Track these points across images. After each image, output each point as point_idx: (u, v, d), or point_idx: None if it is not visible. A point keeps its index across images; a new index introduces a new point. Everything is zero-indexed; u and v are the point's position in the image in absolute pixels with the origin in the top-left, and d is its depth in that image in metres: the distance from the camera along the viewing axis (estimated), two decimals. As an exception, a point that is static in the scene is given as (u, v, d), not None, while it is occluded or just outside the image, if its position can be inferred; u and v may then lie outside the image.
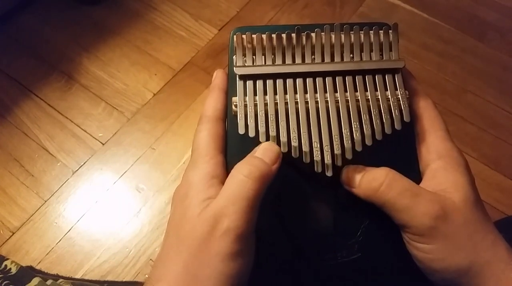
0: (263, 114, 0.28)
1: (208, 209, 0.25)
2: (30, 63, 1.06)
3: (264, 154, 0.26)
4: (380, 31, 0.30)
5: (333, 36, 0.30)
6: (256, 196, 0.25)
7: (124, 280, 0.82)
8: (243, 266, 0.24)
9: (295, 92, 0.29)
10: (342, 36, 0.30)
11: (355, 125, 0.28)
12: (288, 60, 0.30)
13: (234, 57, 0.30)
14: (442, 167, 0.27)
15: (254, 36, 0.29)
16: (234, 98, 0.29)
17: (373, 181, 0.26)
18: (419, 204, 0.25)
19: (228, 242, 0.23)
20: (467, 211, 0.25)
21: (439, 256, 0.25)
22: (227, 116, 0.30)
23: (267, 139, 0.27)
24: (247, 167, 0.26)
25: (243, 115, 0.28)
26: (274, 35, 0.29)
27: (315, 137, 0.27)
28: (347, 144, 0.27)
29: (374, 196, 0.26)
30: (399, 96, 0.29)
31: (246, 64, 0.29)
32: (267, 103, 0.28)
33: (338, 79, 0.29)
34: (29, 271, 0.45)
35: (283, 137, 0.27)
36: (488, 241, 0.25)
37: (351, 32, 0.30)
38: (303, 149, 0.27)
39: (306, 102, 0.28)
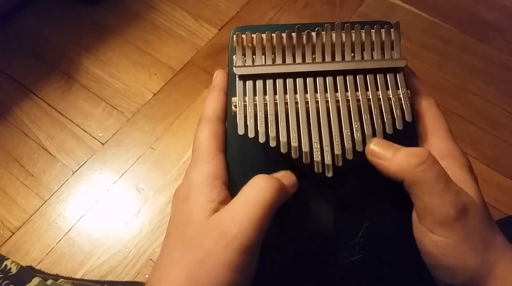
0: (263, 115, 0.27)
1: (219, 214, 0.25)
2: (30, 63, 1.06)
3: (283, 177, 0.26)
4: (381, 30, 0.30)
5: (333, 35, 0.29)
6: (271, 207, 0.24)
7: (124, 280, 0.82)
8: (246, 278, 0.24)
9: (295, 92, 0.28)
10: (343, 35, 0.29)
11: (355, 125, 0.27)
12: (288, 60, 0.29)
13: (234, 57, 0.30)
14: (446, 167, 0.26)
15: (254, 36, 0.29)
16: (233, 99, 0.29)
17: (413, 157, 0.25)
18: (449, 192, 0.24)
19: (234, 252, 0.23)
20: (481, 209, 0.25)
21: (454, 252, 0.24)
22: (227, 116, 0.30)
23: (267, 139, 0.27)
24: (268, 177, 0.25)
25: (242, 115, 0.28)
26: (274, 35, 0.29)
27: (315, 138, 0.27)
28: (348, 144, 0.27)
29: (410, 172, 0.25)
30: (401, 95, 0.28)
31: (246, 64, 0.29)
32: (267, 103, 0.28)
33: (339, 78, 0.29)
34: (30, 271, 0.45)
35: (283, 138, 0.27)
36: (496, 241, 0.25)
37: (352, 31, 0.30)
38: (303, 149, 0.27)
39: (306, 102, 0.28)
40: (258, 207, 0.24)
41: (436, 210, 0.24)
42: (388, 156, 0.26)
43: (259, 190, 0.24)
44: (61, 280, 0.46)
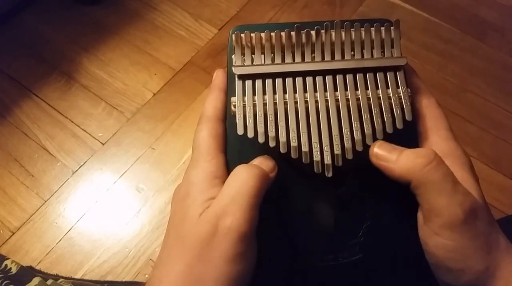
0: (262, 115, 0.27)
1: (210, 208, 0.25)
2: (30, 63, 1.06)
3: (261, 163, 0.27)
4: (381, 28, 0.29)
5: (333, 33, 0.29)
6: (258, 194, 0.25)
7: (124, 280, 0.82)
8: (245, 268, 0.24)
9: (295, 92, 0.28)
10: (343, 33, 0.29)
11: (355, 124, 0.27)
12: (288, 59, 0.29)
13: (233, 56, 0.30)
14: None
15: (253, 35, 0.29)
16: (233, 99, 0.28)
17: (420, 157, 0.25)
18: (457, 193, 0.24)
19: (231, 243, 0.23)
20: (485, 210, 0.25)
21: (459, 255, 0.24)
22: (227, 116, 0.30)
23: (266, 139, 0.27)
24: (249, 166, 0.26)
25: (241, 115, 0.27)
26: (273, 34, 0.29)
27: (314, 138, 0.27)
28: (347, 143, 0.27)
29: (417, 173, 0.24)
30: (401, 94, 0.28)
31: (245, 64, 0.29)
32: (266, 103, 0.28)
33: (339, 77, 0.28)
34: (30, 271, 0.45)
35: (282, 138, 0.27)
36: (500, 243, 0.25)
37: (351, 29, 0.29)
38: (303, 149, 0.27)
39: (306, 102, 0.28)
40: (246, 196, 0.24)
41: (443, 212, 0.24)
42: (393, 158, 0.26)
43: (243, 180, 0.25)
44: (61, 280, 0.46)
